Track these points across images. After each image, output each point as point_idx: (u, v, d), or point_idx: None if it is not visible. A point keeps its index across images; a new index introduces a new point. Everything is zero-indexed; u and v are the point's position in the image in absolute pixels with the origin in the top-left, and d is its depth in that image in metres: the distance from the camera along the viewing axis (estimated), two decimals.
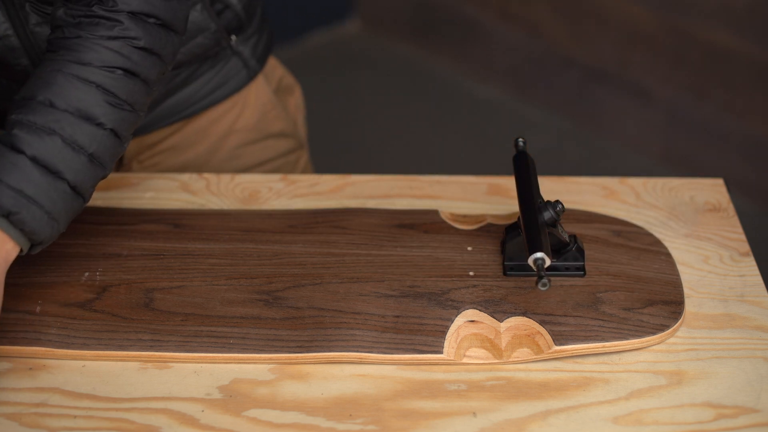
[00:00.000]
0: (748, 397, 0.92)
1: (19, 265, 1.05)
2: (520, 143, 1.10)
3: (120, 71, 0.96)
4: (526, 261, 0.97)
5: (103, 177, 0.97)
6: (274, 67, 1.38)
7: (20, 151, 0.91)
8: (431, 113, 2.85)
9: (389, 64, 3.07)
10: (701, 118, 2.56)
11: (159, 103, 1.26)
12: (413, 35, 3.10)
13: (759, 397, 0.92)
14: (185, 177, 1.22)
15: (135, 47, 0.96)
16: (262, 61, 1.32)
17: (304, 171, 1.42)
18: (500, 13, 2.88)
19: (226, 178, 1.22)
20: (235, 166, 1.33)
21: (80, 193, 0.94)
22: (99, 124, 0.95)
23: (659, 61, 2.60)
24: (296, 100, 1.43)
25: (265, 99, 1.35)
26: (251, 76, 1.31)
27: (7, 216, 0.90)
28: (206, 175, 1.23)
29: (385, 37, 3.18)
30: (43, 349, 0.97)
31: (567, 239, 1.02)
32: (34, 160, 0.91)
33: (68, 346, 0.97)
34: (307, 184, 1.21)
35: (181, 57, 1.22)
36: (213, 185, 1.21)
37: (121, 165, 1.32)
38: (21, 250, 0.93)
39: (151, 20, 0.97)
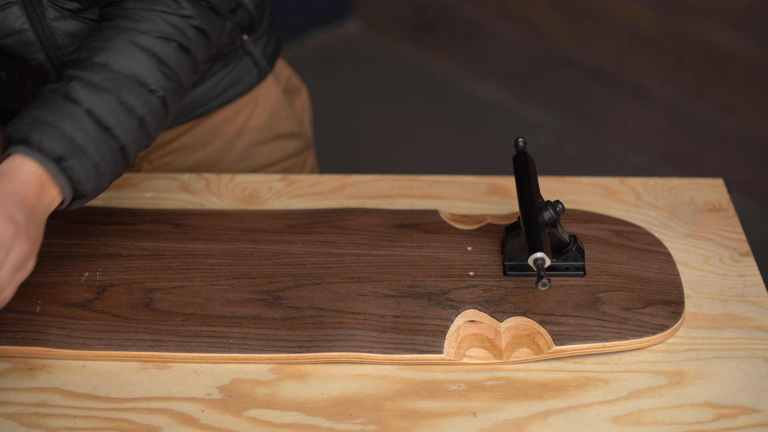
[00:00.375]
0: (748, 397, 0.92)
1: None
2: (520, 143, 1.10)
3: (175, 44, 0.99)
4: (526, 261, 0.97)
5: (147, 146, 1.00)
6: (282, 68, 1.39)
7: (76, 102, 0.94)
8: (431, 113, 2.85)
9: (389, 64, 3.07)
10: (701, 118, 2.56)
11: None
12: (413, 35, 3.10)
13: (759, 397, 0.92)
14: (185, 177, 1.22)
15: (190, 25, 1.00)
16: (272, 62, 1.33)
17: (311, 172, 1.42)
18: (500, 13, 2.88)
19: (226, 178, 1.22)
20: (246, 167, 1.34)
21: (126, 154, 0.97)
22: (151, 91, 0.98)
23: (659, 61, 2.60)
24: (303, 101, 1.43)
25: (275, 99, 1.36)
26: (262, 77, 1.32)
27: (58, 161, 0.92)
28: (206, 175, 1.23)
29: (385, 37, 3.18)
30: (43, 349, 0.97)
31: (567, 239, 1.02)
32: (89, 113, 0.94)
33: (68, 346, 0.97)
34: (307, 184, 1.21)
35: None
36: (213, 185, 1.21)
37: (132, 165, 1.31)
38: (62, 202, 0.94)
39: (203, 2, 1.01)
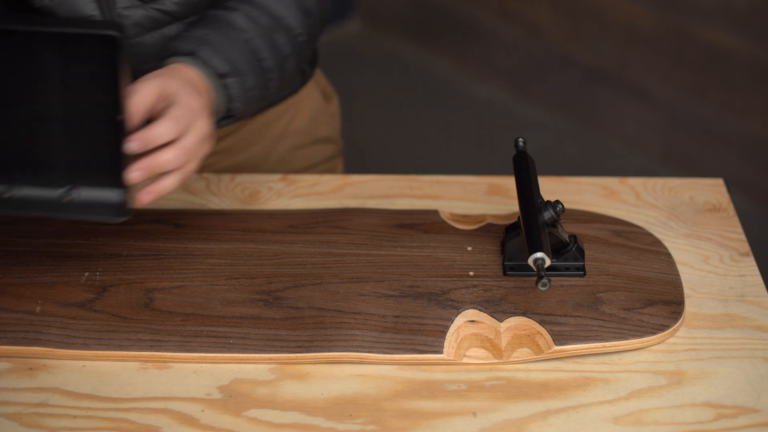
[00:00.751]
0: (748, 397, 0.92)
1: (19, 265, 1.05)
2: (520, 143, 1.10)
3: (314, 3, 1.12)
4: (526, 261, 0.97)
5: (280, 89, 1.10)
6: (319, 74, 1.41)
7: (240, 30, 1.04)
8: (431, 113, 2.85)
9: (389, 64, 3.07)
10: (701, 118, 2.56)
11: None
12: (413, 35, 3.10)
13: (759, 397, 0.92)
14: None
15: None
16: (313, 66, 1.36)
17: None
18: (500, 13, 2.88)
19: (226, 178, 1.22)
20: (286, 170, 1.35)
21: (269, 90, 1.07)
22: (295, 35, 1.10)
23: (659, 61, 2.60)
24: (334, 107, 1.45)
25: (315, 104, 1.38)
26: (304, 81, 1.34)
27: (221, 77, 1.01)
28: (206, 174, 1.23)
29: (385, 37, 3.18)
30: (43, 349, 0.97)
31: (567, 239, 1.02)
32: (247, 42, 1.04)
33: (68, 346, 0.97)
34: (307, 184, 1.21)
35: None
36: (213, 185, 1.21)
37: None
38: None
39: None
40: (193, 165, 0.94)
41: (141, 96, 0.91)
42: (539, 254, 0.95)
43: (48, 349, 0.97)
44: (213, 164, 1.31)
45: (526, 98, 2.87)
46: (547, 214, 1.00)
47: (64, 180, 0.92)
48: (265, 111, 1.32)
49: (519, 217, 1.01)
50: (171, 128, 0.91)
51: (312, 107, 1.37)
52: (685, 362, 0.96)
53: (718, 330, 1.00)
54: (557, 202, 1.00)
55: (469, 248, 1.08)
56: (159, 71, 0.97)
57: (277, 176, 1.23)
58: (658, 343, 0.98)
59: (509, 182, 1.20)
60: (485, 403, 0.92)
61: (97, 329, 0.98)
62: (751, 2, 2.38)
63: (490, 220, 1.12)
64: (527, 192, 1.02)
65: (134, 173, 0.90)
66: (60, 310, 1.00)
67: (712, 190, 1.20)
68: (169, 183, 0.93)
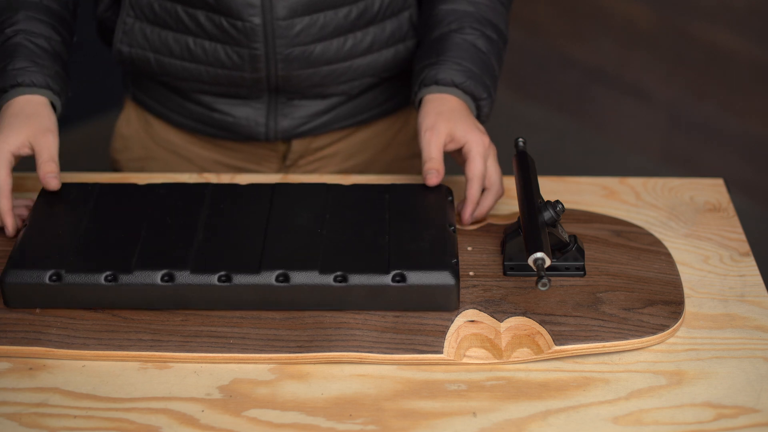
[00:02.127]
0: (748, 397, 0.92)
1: None
2: (520, 143, 1.10)
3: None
4: (526, 261, 0.97)
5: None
6: None
7: (482, 52, 1.18)
8: None
9: None
10: (701, 118, 2.56)
11: (342, 104, 1.29)
12: None
13: (759, 397, 0.92)
14: (185, 177, 1.22)
15: None
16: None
17: None
18: None
19: (225, 178, 1.22)
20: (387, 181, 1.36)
21: (492, 90, 1.19)
22: (506, 42, 1.23)
23: (659, 61, 2.60)
24: None
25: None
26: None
27: (479, 100, 1.16)
28: (206, 174, 1.23)
29: None
30: (43, 349, 0.97)
31: (567, 239, 1.02)
32: (487, 63, 1.17)
33: (68, 346, 0.97)
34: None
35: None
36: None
37: (284, 165, 1.35)
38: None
39: None
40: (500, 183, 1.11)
41: (437, 146, 1.09)
42: (539, 254, 0.95)
43: (48, 349, 0.97)
44: (319, 168, 1.34)
45: (526, 98, 2.87)
46: (547, 214, 1.00)
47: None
48: (375, 122, 1.34)
49: (519, 217, 1.01)
50: (481, 183, 1.09)
51: (416, 121, 1.38)
52: (685, 362, 0.96)
53: (718, 330, 1.00)
54: (557, 202, 1.00)
55: (469, 248, 1.08)
56: (431, 109, 1.12)
57: (278, 176, 1.23)
58: (658, 343, 0.98)
59: (509, 182, 1.20)
60: (485, 403, 0.92)
61: (97, 329, 0.98)
62: (751, 2, 2.38)
63: (490, 220, 1.12)
64: (527, 192, 1.02)
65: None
66: (60, 310, 1.00)
67: (712, 190, 1.20)
68: (488, 204, 1.11)
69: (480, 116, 1.17)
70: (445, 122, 1.10)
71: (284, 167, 1.34)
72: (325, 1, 1.18)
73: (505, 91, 2.91)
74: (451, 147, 1.11)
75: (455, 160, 1.13)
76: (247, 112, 1.27)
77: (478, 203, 1.10)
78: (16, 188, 1.18)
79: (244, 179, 1.20)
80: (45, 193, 1.08)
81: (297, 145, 1.31)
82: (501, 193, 1.11)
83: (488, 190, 1.10)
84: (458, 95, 1.14)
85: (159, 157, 1.35)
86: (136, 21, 1.21)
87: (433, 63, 1.15)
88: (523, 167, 1.06)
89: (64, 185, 1.09)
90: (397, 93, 1.34)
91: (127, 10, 1.21)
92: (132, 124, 1.36)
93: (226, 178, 1.21)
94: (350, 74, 1.25)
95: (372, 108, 1.32)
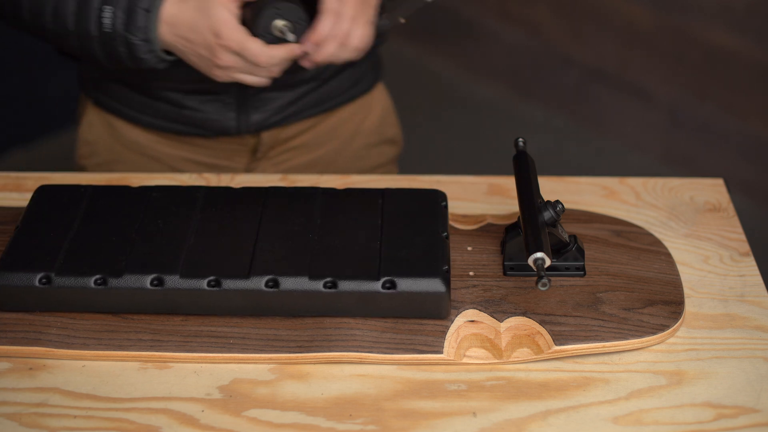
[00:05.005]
0: (748, 397, 0.92)
1: None
2: (520, 143, 1.10)
3: None
4: (526, 261, 0.97)
5: None
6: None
7: None
8: (431, 113, 2.85)
9: (390, 64, 3.07)
10: (701, 118, 2.56)
11: (310, 92, 1.30)
12: (413, 35, 3.10)
13: (759, 397, 0.92)
14: (185, 177, 1.22)
15: None
16: (382, 67, 1.40)
17: None
18: (500, 13, 2.88)
19: (226, 178, 1.22)
20: (357, 168, 1.38)
21: None
22: None
23: (659, 61, 2.60)
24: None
25: (385, 103, 1.41)
26: (376, 79, 1.38)
27: None
28: (206, 175, 1.23)
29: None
30: (43, 349, 0.97)
31: (567, 239, 1.02)
32: None
33: (68, 346, 0.97)
34: (307, 183, 1.21)
35: None
36: (213, 185, 1.20)
37: (254, 158, 1.35)
38: None
39: None
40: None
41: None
42: (539, 254, 0.95)
43: (48, 349, 0.97)
44: (288, 160, 1.35)
45: (526, 98, 2.87)
46: (547, 214, 1.00)
47: None
48: (340, 108, 1.35)
49: (519, 217, 1.01)
50: (332, 19, 1.09)
51: (382, 106, 1.40)
52: (685, 362, 0.96)
53: (718, 330, 1.00)
54: (557, 202, 1.00)
55: (469, 248, 1.08)
56: None
57: (277, 176, 1.23)
58: (658, 343, 0.98)
59: (509, 182, 1.20)
60: (485, 403, 0.92)
61: (97, 329, 0.98)
62: (751, 2, 2.38)
63: (490, 220, 1.12)
64: (527, 192, 1.02)
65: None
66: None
67: (712, 190, 1.20)
68: (329, 51, 1.10)
69: None
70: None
71: (254, 159, 1.34)
72: None
73: (505, 91, 2.91)
74: None
75: None
76: (217, 107, 1.27)
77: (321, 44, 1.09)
78: (17, 188, 1.18)
79: (243, 180, 1.20)
80: (37, 195, 1.08)
81: (266, 137, 1.32)
82: (352, 51, 1.11)
83: (333, 37, 1.10)
84: None
85: (126, 159, 1.35)
86: None
87: None
88: (523, 167, 1.06)
89: (57, 187, 1.09)
90: (362, 77, 1.35)
91: None
92: (95, 129, 1.36)
93: (226, 178, 1.21)
94: (320, 69, 1.26)
95: (339, 94, 1.33)
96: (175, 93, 1.26)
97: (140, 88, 1.28)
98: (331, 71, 1.30)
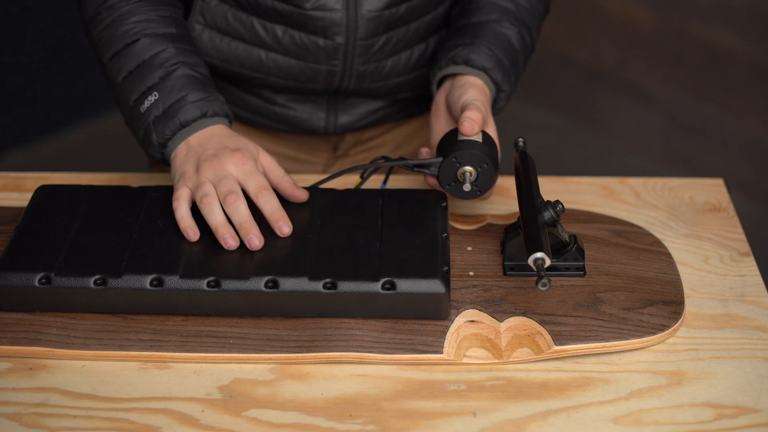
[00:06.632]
0: (748, 397, 0.92)
1: None
2: (520, 143, 1.10)
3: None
4: (526, 261, 0.97)
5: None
6: None
7: (514, 50, 1.18)
8: None
9: None
10: (701, 119, 2.56)
11: (397, 101, 1.31)
12: None
13: (759, 397, 0.92)
14: None
15: None
16: None
17: None
18: None
19: None
20: None
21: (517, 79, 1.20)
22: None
23: (659, 61, 2.60)
24: None
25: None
26: None
27: (486, 70, 1.13)
28: None
29: None
30: (43, 349, 0.97)
31: (567, 239, 1.02)
32: (516, 60, 1.18)
33: (68, 346, 0.97)
34: (307, 183, 1.21)
35: None
36: None
37: (334, 155, 1.37)
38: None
39: None
40: None
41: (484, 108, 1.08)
42: (539, 254, 0.95)
43: (48, 349, 0.97)
44: (367, 159, 1.36)
45: (526, 98, 2.87)
46: (547, 214, 1.00)
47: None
48: (420, 116, 1.36)
49: (519, 217, 1.01)
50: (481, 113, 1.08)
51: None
52: (685, 362, 0.96)
53: (718, 330, 1.00)
54: (557, 202, 1.00)
55: (469, 248, 1.08)
56: (469, 87, 1.10)
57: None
58: (658, 343, 0.98)
59: (509, 182, 1.20)
60: (485, 403, 0.92)
61: (97, 329, 0.98)
62: (751, 2, 2.38)
63: (490, 220, 1.12)
64: (527, 192, 1.02)
65: None
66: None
67: (712, 190, 1.20)
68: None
69: (493, 108, 1.16)
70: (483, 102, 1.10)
71: (335, 157, 1.35)
72: (401, 18, 1.18)
73: None
74: None
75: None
76: (308, 107, 1.28)
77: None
78: (17, 188, 1.18)
79: None
80: (37, 195, 1.08)
81: (350, 137, 1.34)
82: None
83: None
84: (485, 81, 1.13)
85: None
86: (205, 29, 1.21)
87: (468, 43, 1.14)
88: (523, 167, 1.06)
89: (57, 187, 1.09)
90: None
91: (197, 17, 1.20)
92: None
93: None
94: (414, 84, 1.27)
95: (424, 102, 1.33)
96: (268, 90, 1.26)
97: (234, 83, 1.28)
98: (414, 86, 1.30)
